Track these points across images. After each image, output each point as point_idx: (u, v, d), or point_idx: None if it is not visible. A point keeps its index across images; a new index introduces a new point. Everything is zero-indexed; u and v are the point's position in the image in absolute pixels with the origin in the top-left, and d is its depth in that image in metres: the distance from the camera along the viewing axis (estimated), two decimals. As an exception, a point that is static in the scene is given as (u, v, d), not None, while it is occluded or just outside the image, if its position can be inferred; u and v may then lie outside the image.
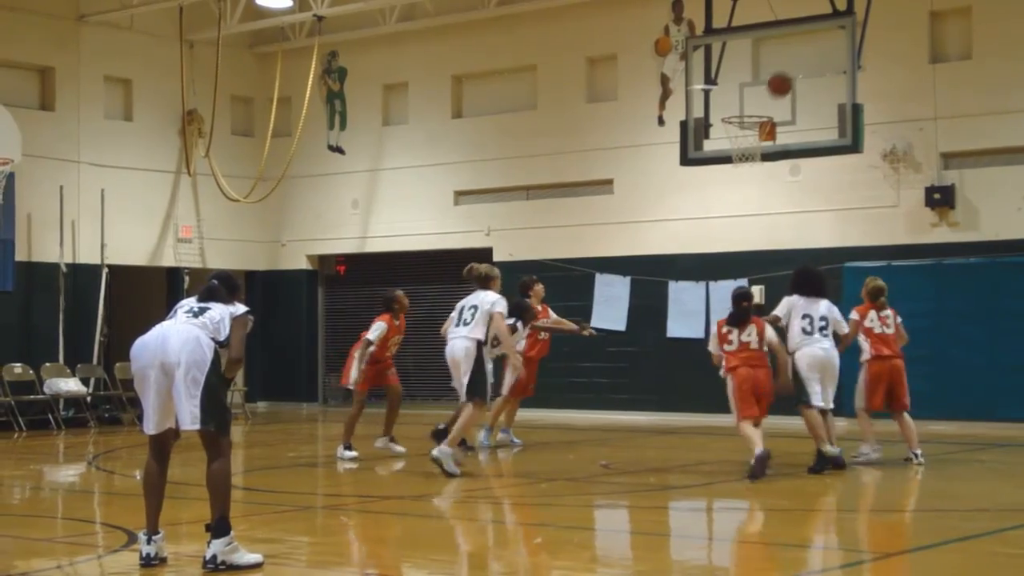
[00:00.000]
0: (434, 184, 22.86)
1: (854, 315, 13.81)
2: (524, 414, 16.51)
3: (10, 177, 19.67)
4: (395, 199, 23.29)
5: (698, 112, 16.94)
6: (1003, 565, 8.11)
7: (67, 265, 21.00)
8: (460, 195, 22.75)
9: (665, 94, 20.67)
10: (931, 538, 9.15)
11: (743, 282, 19.75)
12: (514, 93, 22.45)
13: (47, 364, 20.26)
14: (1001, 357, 17.96)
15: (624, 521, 10.77)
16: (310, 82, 22.79)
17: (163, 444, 8.37)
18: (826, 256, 19.17)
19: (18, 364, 19.97)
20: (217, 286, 8.72)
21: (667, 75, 20.65)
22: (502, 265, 21.97)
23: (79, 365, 20.68)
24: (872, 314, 13.92)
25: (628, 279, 20.58)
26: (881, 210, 18.96)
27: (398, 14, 22.60)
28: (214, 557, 7.95)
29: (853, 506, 11.56)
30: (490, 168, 22.33)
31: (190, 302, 8.53)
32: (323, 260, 24.43)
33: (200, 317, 8.29)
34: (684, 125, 17.04)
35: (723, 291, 19.40)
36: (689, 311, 20.05)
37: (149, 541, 8.18)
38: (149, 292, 23.48)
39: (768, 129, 16.52)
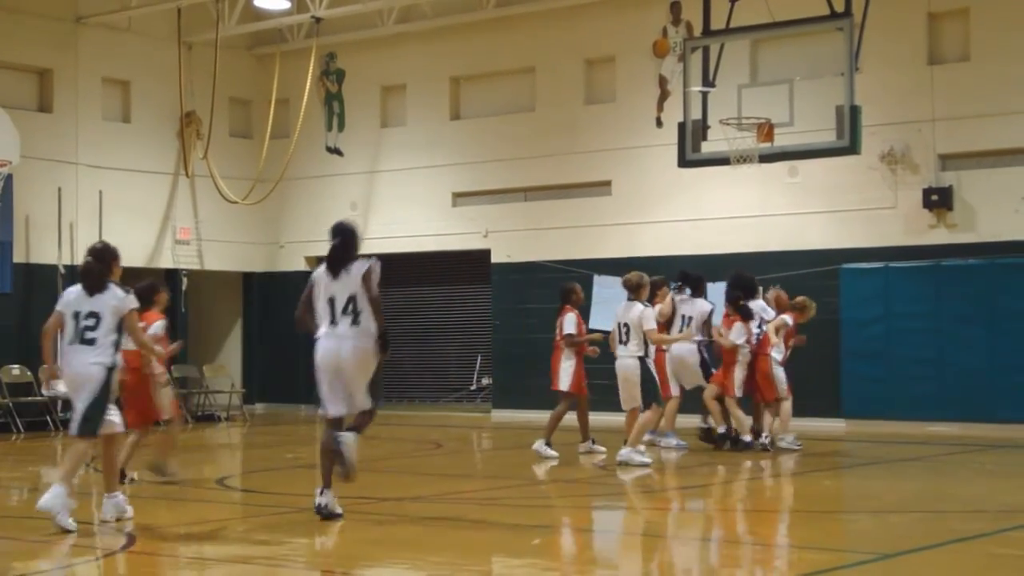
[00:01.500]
0: (432, 186, 22.86)
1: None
2: (522, 415, 16.53)
3: (8, 179, 19.68)
4: (393, 201, 23.29)
5: (696, 114, 16.95)
6: (1002, 566, 8.11)
7: (65, 267, 20.99)
8: (458, 197, 22.75)
9: (663, 96, 20.68)
10: (930, 539, 9.15)
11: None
12: (512, 95, 22.45)
13: (45, 366, 20.19)
14: (1000, 358, 17.96)
15: (622, 522, 10.76)
16: (308, 84, 22.78)
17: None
18: (823, 258, 19.20)
19: (16, 366, 19.96)
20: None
21: (665, 77, 20.66)
22: (500, 267, 22.11)
23: (77, 367, 20.62)
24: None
25: (619, 279, 20.55)
26: (879, 212, 18.96)
27: (396, 16, 22.60)
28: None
29: (852, 507, 11.57)
30: (488, 170, 22.33)
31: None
32: (321, 262, 24.40)
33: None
34: (682, 127, 17.04)
35: (720, 293, 19.41)
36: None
37: (322, 493, 9.81)
38: (147, 294, 23.44)
39: (766, 131, 16.54)
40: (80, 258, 21.14)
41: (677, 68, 19.56)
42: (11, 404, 19.37)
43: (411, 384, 22.99)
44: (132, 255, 22.11)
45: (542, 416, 17.39)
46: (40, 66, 21.42)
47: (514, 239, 21.91)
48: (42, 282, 20.73)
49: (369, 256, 10.04)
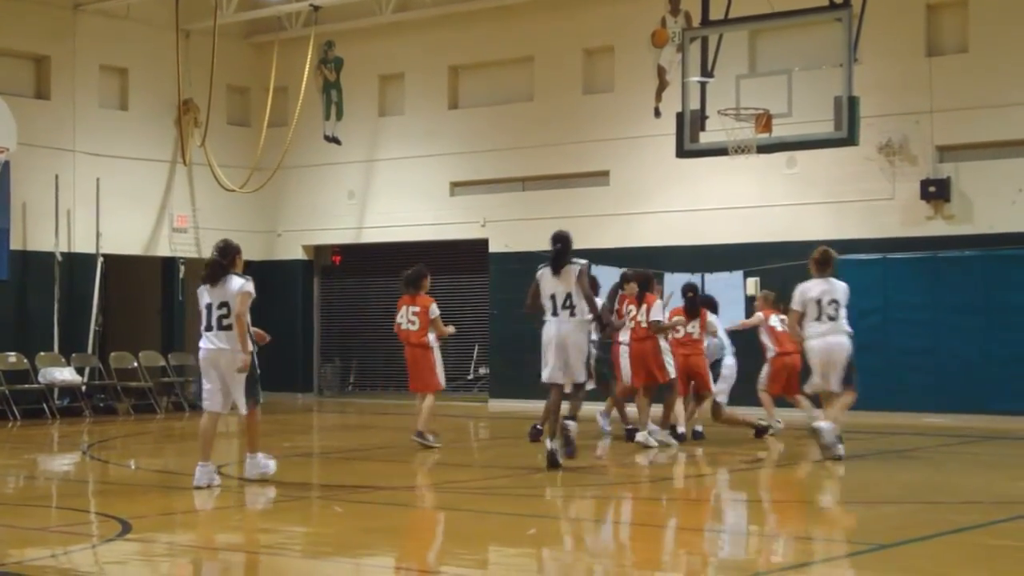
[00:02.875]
0: (430, 175, 22.84)
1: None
2: (518, 405, 16.54)
3: (5, 166, 19.66)
4: (391, 190, 23.27)
5: (694, 104, 16.95)
6: (996, 557, 8.13)
7: (62, 254, 20.97)
8: (456, 186, 22.74)
9: (661, 86, 20.67)
10: (925, 530, 9.16)
11: (738, 274, 19.79)
12: (511, 84, 22.43)
13: (42, 353, 20.25)
14: (996, 349, 17.98)
15: (605, 512, 10.77)
16: (306, 72, 22.75)
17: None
18: (821, 248, 19.18)
19: (13, 353, 19.94)
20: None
21: (664, 67, 20.65)
22: (498, 256, 22.09)
23: (74, 354, 20.66)
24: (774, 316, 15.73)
25: (623, 271, 20.54)
26: (876, 203, 18.97)
27: (394, 4, 22.56)
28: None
29: (847, 498, 11.58)
30: (486, 159, 22.31)
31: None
32: (319, 250, 24.43)
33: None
34: (680, 117, 17.04)
35: (719, 283, 19.46)
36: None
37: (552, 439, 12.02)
38: (144, 282, 23.47)
39: (764, 121, 16.54)
40: (77, 245, 21.23)
41: (676, 58, 19.55)
42: (7, 391, 19.36)
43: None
44: (129, 243, 22.21)
45: (539, 405, 17.36)
46: (38, 53, 21.38)
47: (512, 228, 21.90)
48: (39, 269, 20.72)
49: (580, 260, 12.27)
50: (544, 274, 12.31)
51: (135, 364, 21.07)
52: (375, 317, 22.41)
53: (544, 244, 21.49)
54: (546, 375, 12.25)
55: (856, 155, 18.22)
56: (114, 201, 21.68)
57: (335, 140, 23.82)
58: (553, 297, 12.18)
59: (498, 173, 22.24)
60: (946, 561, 8.04)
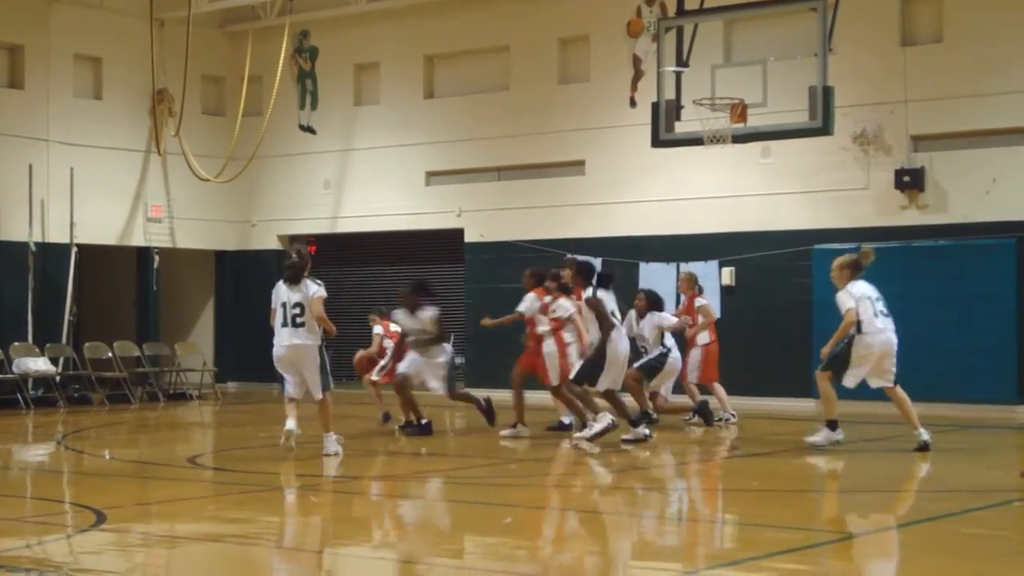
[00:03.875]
0: (406, 164, 22.80)
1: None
2: (494, 394, 16.50)
3: (-22, 155, 19.55)
4: (366, 179, 23.22)
5: (669, 94, 16.95)
6: (970, 545, 8.17)
7: (36, 244, 20.86)
8: (431, 175, 22.71)
9: (637, 76, 20.67)
10: (899, 519, 9.21)
11: (713, 264, 19.83)
12: (486, 74, 22.40)
13: (16, 343, 20.15)
14: (970, 339, 18.07)
15: (585, 502, 10.79)
16: (281, 61, 22.67)
17: None
18: (796, 238, 19.26)
19: (-14, 344, 19.86)
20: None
21: (639, 56, 20.65)
22: (473, 246, 22.08)
23: (48, 344, 20.57)
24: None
25: (599, 260, 20.58)
26: (851, 192, 19.02)
27: (370, -7, 22.49)
28: None
29: (822, 487, 11.63)
30: (462, 149, 22.29)
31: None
32: (294, 240, 24.36)
33: None
34: (655, 107, 17.04)
35: (695, 272, 19.47)
36: (662, 293, 20.02)
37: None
38: (119, 272, 23.38)
39: (739, 111, 16.55)
40: (51, 235, 21.12)
41: (651, 48, 19.55)
42: (-19, 382, 19.29)
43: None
44: (103, 233, 22.10)
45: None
46: (11, 42, 21.24)
47: (487, 218, 21.89)
48: (12, 259, 20.62)
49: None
50: (602, 295, 13.42)
51: (110, 354, 21.00)
52: (350, 306, 22.36)
53: (521, 234, 21.67)
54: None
55: (831, 145, 18.27)
56: (88, 191, 21.57)
57: (310, 130, 23.75)
58: (613, 313, 13.40)
59: (474, 163, 22.22)
60: (920, 549, 8.09)
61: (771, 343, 19.34)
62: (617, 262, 20.39)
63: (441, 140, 22.45)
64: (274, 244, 24.18)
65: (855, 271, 13.41)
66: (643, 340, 15.22)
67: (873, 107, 18.71)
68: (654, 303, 15.35)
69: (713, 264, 19.80)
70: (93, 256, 22.14)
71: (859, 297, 13.18)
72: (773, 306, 19.39)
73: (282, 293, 12.50)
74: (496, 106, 22.03)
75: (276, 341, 12.54)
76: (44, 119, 21.33)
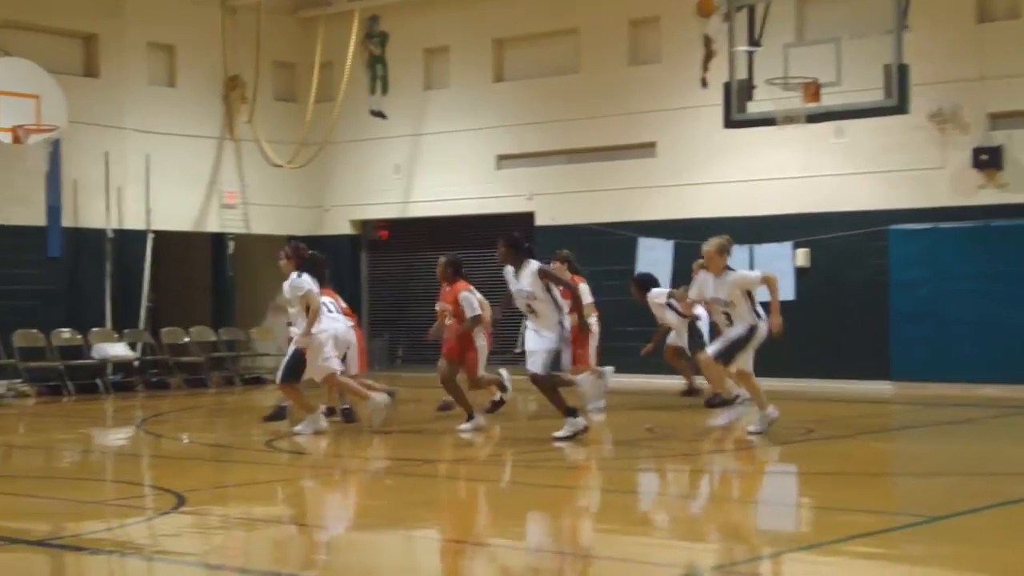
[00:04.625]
0: (476, 149, 22.83)
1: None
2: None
3: (56, 144, 19.82)
4: (437, 164, 23.28)
5: (742, 74, 16.83)
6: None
7: (113, 231, 21.14)
8: (502, 159, 22.71)
9: (708, 56, 20.49)
10: (977, 501, 9.10)
11: (787, 245, 19.66)
12: (556, 56, 22.34)
13: (95, 329, 20.46)
14: (1049, 319, 17.81)
15: (667, 485, 10.77)
16: (351, 47, 22.77)
17: None
18: (871, 218, 19.05)
19: (67, 329, 20.15)
20: None
21: (710, 36, 20.46)
22: (544, 230, 22.05)
23: (126, 330, 20.86)
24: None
25: (671, 243, 20.51)
26: (926, 172, 18.77)
27: (439, -22, 22.52)
28: None
29: (899, 469, 11.52)
30: (532, 132, 22.26)
31: None
32: (366, 225, 24.50)
33: None
34: (727, 87, 16.92)
35: (767, 254, 19.36)
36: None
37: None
38: (194, 258, 23.63)
39: (813, 90, 16.40)
40: (127, 222, 21.38)
41: (722, 27, 19.35)
42: (63, 367, 19.59)
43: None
44: (179, 219, 22.34)
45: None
46: (86, 31, 21.50)
47: (557, 202, 21.86)
48: (90, 246, 20.90)
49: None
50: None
51: (186, 339, 21.26)
52: (422, 291, 22.44)
53: (591, 217, 21.59)
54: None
55: (906, 124, 18.02)
56: (163, 178, 21.81)
57: (381, 115, 23.81)
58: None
59: (544, 146, 22.18)
60: (998, 533, 7.99)
61: (846, 325, 19.16)
62: (689, 244, 20.31)
63: (511, 124, 22.43)
64: (346, 229, 24.32)
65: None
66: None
67: (949, 85, 18.44)
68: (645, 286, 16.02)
69: (787, 245, 19.64)
70: (169, 242, 22.38)
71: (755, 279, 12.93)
72: (848, 287, 19.20)
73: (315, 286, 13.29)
74: (566, 89, 21.97)
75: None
76: (119, 107, 21.57)
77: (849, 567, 7.16)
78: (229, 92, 22.89)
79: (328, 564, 7.59)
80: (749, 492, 10.33)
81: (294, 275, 13.16)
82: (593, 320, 15.57)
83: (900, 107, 15.95)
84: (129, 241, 21.32)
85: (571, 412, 12.40)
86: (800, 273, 19.50)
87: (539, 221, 22.13)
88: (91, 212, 21.04)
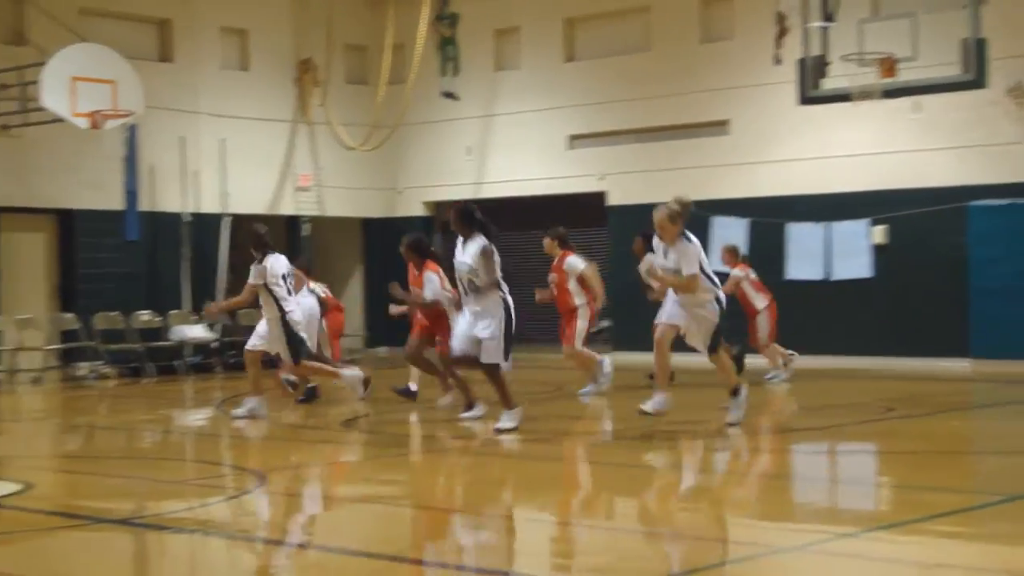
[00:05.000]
0: (547, 129, 22.80)
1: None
2: (642, 358, 16.50)
3: (132, 129, 20.06)
4: (508, 145, 23.28)
5: (816, 50, 16.67)
6: None
7: (190, 215, 21.37)
8: (574, 139, 22.67)
9: (781, 32, 20.29)
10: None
11: (864, 222, 19.46)
12: (627, 35, 22.25)
13: (173, 311, 20.73)
14: None
15: (746, 464, 10.72)
16: (422, 29, 22.80)
17: None
18: (948, 195, 18.80)
19: (146, 311, 20.44)
20: None
21: (783, 13, 20.24)
22: (616, 209, 22.00)
23: (204, 312, 21.10)
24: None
25: (747, 221, 20.36)
26: (1004, 147, 18.48)
27: (510, -42, 22.48)
28: None
29: (979, 448, 11.39)
30: (603, 112, 22.20)
31: None
32: (439, 206, 24.56)
33: None
34: (802, 63, 16.78)
35: (844, 232, 19.20)
36: (808, 253, 19.82)
37: None
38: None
39: (888, 66, 16.21)
40: (204, 206, 21.60)
41: (796, 3, 19.17)
42: (142, 348, 19.87)
43: (530, 328, 23.02)
44: (254, 202, 22.53)
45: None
46: (160, 16, 21.72)
47: (630, 181, 21.78)
48: (167, 230, 21.15)
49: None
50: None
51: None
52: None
53: (664, 196, 21.40)
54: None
55: (983, 99, 17.75)
56: (238, 161, 22.00)
57: (452, 96, 23.84)
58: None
59: (615, 125, 22.11)
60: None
61: (925, 302, 18.95)
62: (763, 223, 20.18)
63: (582, 103, 22.38)
64: (419, 211, 24.40)
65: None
66: None
67: (1028, 58, 18.13)
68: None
69: (864, 223, 19.44)
70: (244, 225, 22.56)
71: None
72: (926, 264, 18.99)
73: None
74: (637, 67, 21.87)
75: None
76: (194, 91, 21.78)
77: (930, 546, 7.09)
78: (302, 75, 23.03)
79: (412, 542, 7.63)
80: (830, 471, 10.26)
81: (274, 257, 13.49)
82: (581, 302, 14.94)
83: (978, 81, 15.73)
84: (205, 224, 21.54)
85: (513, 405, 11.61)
86: (878, 251, 19.31)
87: (612, 200, 22.08)
88: (167, 196, 21.28)
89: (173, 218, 21.23)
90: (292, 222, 23.25)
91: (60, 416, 15.78)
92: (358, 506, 8.71)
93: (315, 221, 23.39)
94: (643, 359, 15.89)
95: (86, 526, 7.96)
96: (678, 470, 10.26)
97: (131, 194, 20.54)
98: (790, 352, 16.37)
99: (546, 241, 15.23)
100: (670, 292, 11.36)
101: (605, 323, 22.58)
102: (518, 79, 23.25)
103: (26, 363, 19.28)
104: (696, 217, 20.64)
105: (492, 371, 11.45)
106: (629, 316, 21.30)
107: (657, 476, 9.94)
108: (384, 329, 24.29)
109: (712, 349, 11.30)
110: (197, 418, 15.26)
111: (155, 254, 21.08)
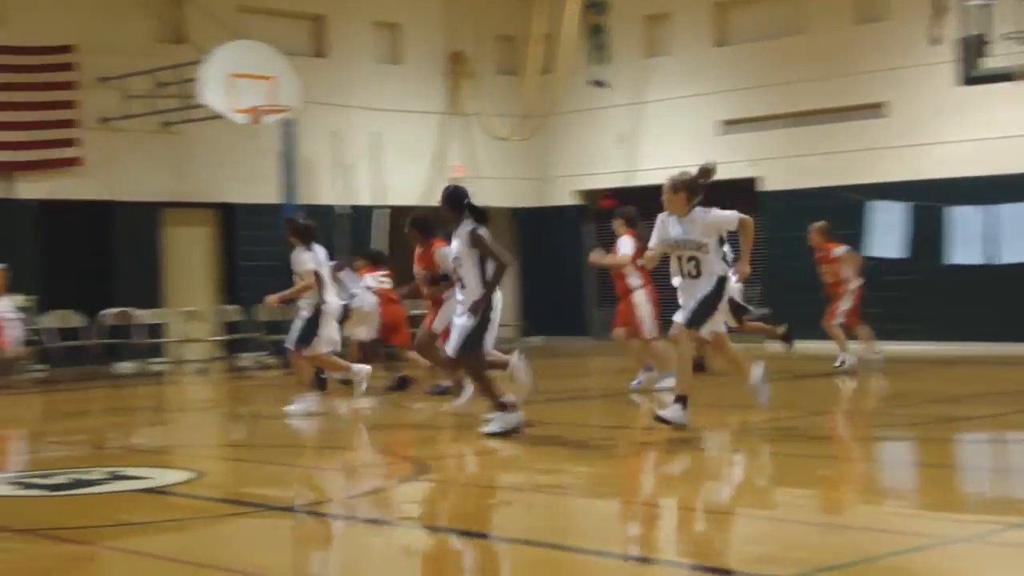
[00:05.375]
0: (698, 115, 22.64)
1: None
2: (802, 345, 16.32)
3: (288, 124, 20.46)
4: (659, 132, 23.17)
5: (976, 29, 16.26)
6: None
7: (348, 207, 21.70)
8: (726, 125, 22.46)
9: (939, 11, 19.80)
10: None
11: (1027, 205, 18.94)
12: (780, 18, 21.96)
13: (339, 305, 21.08)
14: None
15: (909, 453, 10.52)
16: (572, 17, 22.79)
17: None
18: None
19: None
20: None
21: (942, -9, 19.79)
22: (769, 195, 21.73)
23: (365, 303, 21.42)
24: None
25: (907, 205, 19.94)
26: None
27: (659, -56, 22.35)
28: None
29: None
30: (756, 96, 21.95)
31: None
32: (590, 195, 24.55)
33: None
34: (963, 43, 16.39)
35: (1008, 215, 18.68)
36: (970, 237, 19.32)
37: None
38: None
39: (1053, 43, 15.74)
40: (359, 198, 21.93)
41: (954, -18, 18.73)
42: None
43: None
44: (408, 194, 22.81)
45: (816, 346, 17.03)
46: (314, 12, 22.11)
47: (783, 166, 21.51)
48: (323, 222, 21.50)
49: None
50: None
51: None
52: (647, 260, 22.40)
53: (819, 181, 21.17)
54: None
55: None
56: (392, 154, 22.29)
57: (603, 84, 23.79)
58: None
59: (768, 110, 21.85)
60: None
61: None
62: (922, 207, 19.75)
63: (734, 88, 22.18)
64: (569, 200, 24.43)
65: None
66: None
67: None
68: None
69: (1026, 206, 18.93)
70: (399, 217, 22.85)
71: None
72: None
73: None
74: (791, 50, 21.58)
75: None
76: (347, 86, 22.13)
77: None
78: (453, 68, 23.22)
79: (594, 532, 7.66)
80: (996, 460, 10.02)
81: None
82: (635, 280, 14.47)
83: None
84: (361, 217, 21.87)
85: (504, 406, 10.86)
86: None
87: (766, 186, 21.83)
88: (322, 189, 21.65)
89: (327, 211, 21.59)
90: (444, 213, 23.43)
91: (226, 406, 16.18)
92: (516, 494, 8.75)
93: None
94: (804, 346, 15.75)
95: (254, 513, 8.13)
96: (837, 461, 10.10)
97: (288, 187, 20.96)
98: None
99: (616, 223, 14.88)
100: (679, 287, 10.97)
101: (764, 310, 22.38)
102: (668, 65, 23.12)
103: (192, 354, 19.82)
104: (847, 202, 20.48)
105: (456, 365, 11.13)
106: (787, 301, 21.05)
107: (819, 466, 9.80)
108: (538, 318, 24.41)
109: (692, 324, 10.52)
110: (359, 407, 15.47)
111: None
